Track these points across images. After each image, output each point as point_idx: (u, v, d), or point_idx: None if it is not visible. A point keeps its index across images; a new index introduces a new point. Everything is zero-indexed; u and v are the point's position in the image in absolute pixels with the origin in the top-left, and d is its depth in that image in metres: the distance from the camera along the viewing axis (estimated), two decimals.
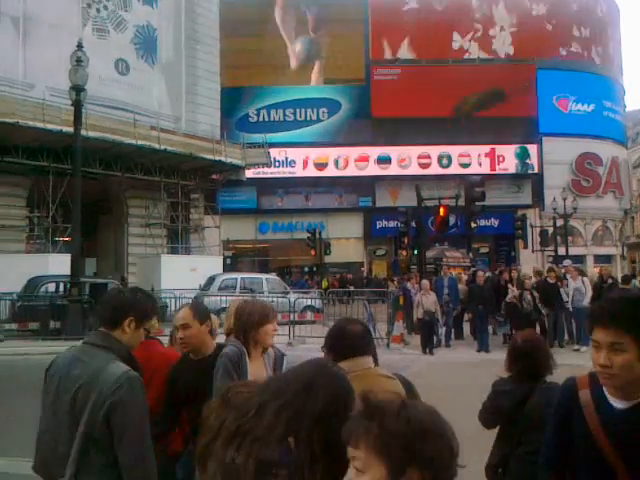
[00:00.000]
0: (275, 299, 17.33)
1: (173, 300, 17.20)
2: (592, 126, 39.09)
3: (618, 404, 1.89)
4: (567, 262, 17.19)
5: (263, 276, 22.81)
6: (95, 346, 2.39)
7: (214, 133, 26.81)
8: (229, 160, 26.18)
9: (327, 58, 37.91)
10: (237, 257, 33.25)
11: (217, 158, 25.56)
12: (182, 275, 20.25)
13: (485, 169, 36.71)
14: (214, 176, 28.38)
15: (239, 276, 21.67)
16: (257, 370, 3.25)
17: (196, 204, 28.30)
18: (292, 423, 1.31)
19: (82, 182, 15.60)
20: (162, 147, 23.28)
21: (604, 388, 1.92)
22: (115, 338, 2.42)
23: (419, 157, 37.06)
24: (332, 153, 36.84)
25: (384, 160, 36.97)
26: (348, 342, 2.45)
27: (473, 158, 37.43)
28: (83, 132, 16.48)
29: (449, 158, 37.34)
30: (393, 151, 37.07)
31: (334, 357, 2.44)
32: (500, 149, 37.67)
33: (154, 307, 2.68)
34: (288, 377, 1.43)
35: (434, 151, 37.29)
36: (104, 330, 2.44)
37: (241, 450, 1.33)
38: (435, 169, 37.03)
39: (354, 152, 36.97)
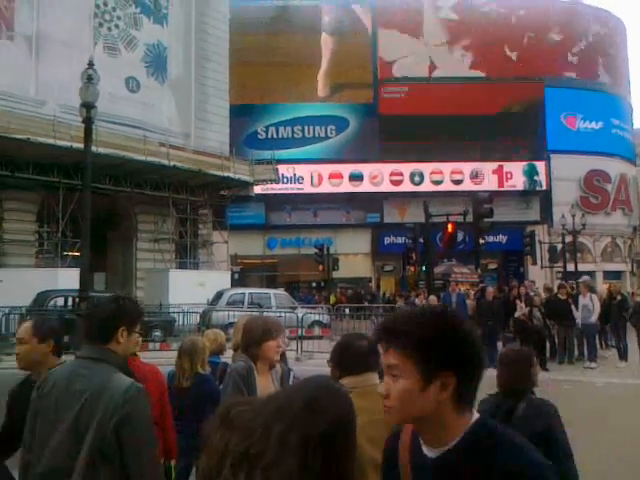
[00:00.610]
0: (283, 314, 17.38)
1: (181, 315, 17.21)
2: (600, 143, 39.11)
3: (429, 452, 1.49)
4: (586, 278, 17.06)
5: (271, 291, 22.83)
6: (92, 360, 2.32)
7: (223, 150, 26.99)
8: (237, 176, 26.35)
9: (337, 75, 38.22)
10: (245, 272, 33.29)
11: (226, 174, 25.73)
12: (190, 290, 20.29)
13: (494, 186, 36.65)
14: (223, 192, 28.52)
15: (247, 291, 21.69)
16: (265, 385, 3.28)
17: (204, 219, 28.42)
18: (298, 447, 1.28)
19: (92, 198, 15.71)
20: (171, 163, 23.46)
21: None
22: (111, 350, 2.36)
23: (431, 173, 37.21)
24: (340, 170, 36.99)
25: (396, 176, 37.15)
26: (353, 358, 2.45)
27: (484, 175, 37.49)
28: (93, 148, 16.62)
29: (459, 175, 37.43)
30: (403, 168, 37.19)
31: (340, 372, 2.48)
32: (509, 166, 37.74)
33: (139, 310, 2.62)
34: (290, 395, 1.40)
35: (444, 168, 37.38)
36: (98, 343, 2.36)
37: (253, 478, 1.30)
38: (445, 186, 37.07)
39: (362, 168, 37.11)
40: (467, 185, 36.53)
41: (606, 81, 41.69)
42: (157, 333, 16.99)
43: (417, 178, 37.26)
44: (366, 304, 23.45)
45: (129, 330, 2.43)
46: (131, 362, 3.42)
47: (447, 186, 36.83)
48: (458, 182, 37.20)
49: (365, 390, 2.31)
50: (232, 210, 30.55)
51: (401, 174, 37.17)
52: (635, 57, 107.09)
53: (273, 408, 1.35)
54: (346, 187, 36.93)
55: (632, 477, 6.37)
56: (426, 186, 36.69)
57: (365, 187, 37.01)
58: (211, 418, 1.45)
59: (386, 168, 37.18)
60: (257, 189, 29.32)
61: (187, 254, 26.58)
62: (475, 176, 37.17)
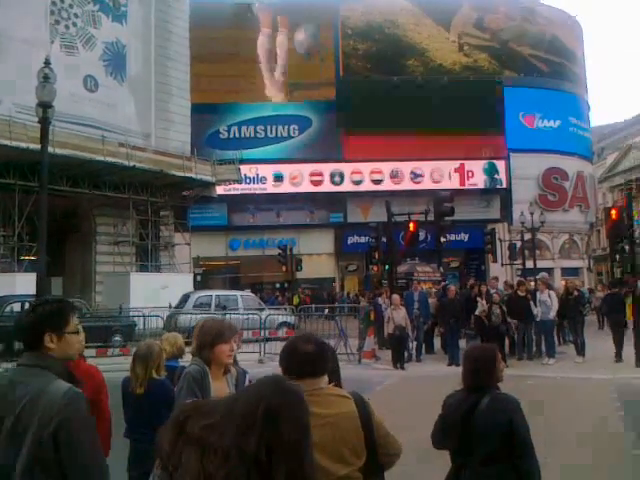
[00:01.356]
0: (249, 316, 17.31)
1: (142, 319, 16.94)
2: (558, 142, 39.96)
3: None
4: (542, 274, 17.40)
5: (238, 293, 22.75)
6: (31, 366, 2.31)
7: (184, 150, 26.71)
8: (199, 177, 26.10)
9: (297, 73, 38.16)
10: (208, 274, 33.01)
11: (187, 175, 25.46)
12: (151, 293, 19.99)
13: (455, 184, 37.11)
14: (184, 193, 28.21)
15: (214, 293, 21.65)
16: (219, 389, 3.24)
17: (166, 221, 28.07)
18: (257, 462, 1.28)
19: (49, 200, 15.29)
20: (131, 164, 23.11)
21: None
22: (47, 355, 2.33)
23: (391, 173, 37.42)
24: (303, 169, 36.99)
25: (357, 176, 37.31)
26: (299, 361, 2.40)
27: (444, 174, 37.87)
28: (50, 149, 16.21)
29: (420, 174, 37.76)
30: (365, 167, 37.35)
31: (287, 376, 2.36)
32: (469, 164, 38.23)
33: (65, 311, 2.50)
34: (248, 401, 1.37)
35: (406, 167, 37.68)
36: (32, 350, 2.34)
37: None
38: (407, 185, 37.37)
39: (324, 168, 37.17)
40: (429, 184, 36.87)
41: (564, 80, 42.60)
42: (117, 338, 16.70)
43: (377, 177, 37.50)
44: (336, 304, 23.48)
45: (58, 334, 2.37)
46: (76, 363, 3.37)
47: (409, 185, 37.18)
48: (418, 177, 37.51)
49: (311, 394, 2.24)
50: (194, 211, 30.27)
51: (362, 173, 37.37)
52: (591, 56, 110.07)
53: (234, 421, 1.32)
54: (309, 187, 36.95)
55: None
56: (389, 185, 37.00)
57: (328, 187, 37.08)
58: (166, 425, 1.42)
59: (348, 167, 37.32)
60: (219, 189, 29.09)
61: (148, 257, 26.19)
62: (425, 175, 37.49)
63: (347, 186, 37.35)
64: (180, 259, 27.54)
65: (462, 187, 37.09)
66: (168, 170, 24.72)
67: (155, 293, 20.14)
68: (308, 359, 2.39)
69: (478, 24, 40.85)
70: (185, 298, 20.16)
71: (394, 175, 37.45)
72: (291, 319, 19.80)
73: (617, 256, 18.99)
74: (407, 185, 37.12)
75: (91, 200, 24.70)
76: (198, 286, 26.11)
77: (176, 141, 27.57)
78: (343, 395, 2.45)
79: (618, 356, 14.10)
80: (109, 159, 22.47)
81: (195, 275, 27.58)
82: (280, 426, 1.30)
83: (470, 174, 38.34)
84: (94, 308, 21.81)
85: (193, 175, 25.71)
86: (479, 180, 38.62)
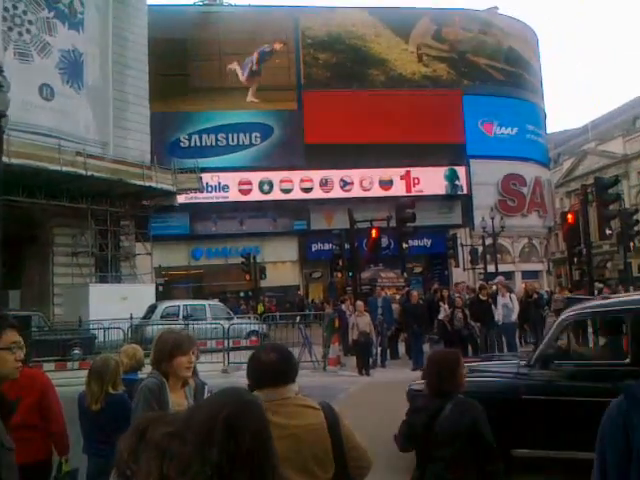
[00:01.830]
0: (214, 326, 17.15)
1: (102, 331, 16.57)
2: (516, 148, 40.83)
3: None
4: (499, 278, 17.65)
5: (206, 302, 22.67)
6: None
7: (144, 158, 26.32)
8: (160, 186, 25.73)
9: (260, 82, 38.09)
10: (170, 284, 32.56)
11: (147, 184, 25.07)
12: (112, 305, 19.54)
13: (417, 191, 37.47)
14: (145, 202, 27.77)
15: (181, 303, 21.58)
16: (178, 402, 3.17)
17: (126, 231, 27.56)
18: (219, 470, 1.28)
19: (4, 210, 14.92)
20: (89, 173, 22.66)
21: None
22: None
23: (343, 179, 37.60)
24: (266, 177, 36.88)
25: (320, 183, 37.41)
26: (263, 372, 2.38)
27: (403, 180, 38.20)
28: (5, 159, 15.78)
29: (385, 180, 38.04)
30: (329, 175, 37.49)
31: (252, 386, 2.39)
32: (431, 171, 38.65)
33: None
34: (208, 411, 1.36)
35: (369, 173, 37.92)
36: None
37: None
38: (370, 191, 37.59)
39: (288, 176, 37.15)
40: (393, 191, 37.15)
41: (521, 88, 43.55)
42: (77, 351, 16.32)
43: (344, 184, 37.66)
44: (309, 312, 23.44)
45: None
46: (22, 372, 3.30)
47: (374, 192, 37.41)
48: (388, 184, 37.76)
49: (275, 404, 2.24)
50: (155, 220, 29.79)
51: (327, 181, 37.51)
52: (547, 64, 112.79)
53: (195, 431, 1.31)
54: (272, 195, 36.85)
55: None
56: (353, 192, 37.16)
57: (291, 194, 37.06)
58: (126, 433, 1.40)
59: (311, 175, 37.39)
60: (181, 198, 28.74)
61: (108, 267, 25.67)
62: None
63: (311, 193, 37.38)
64: (141, 269, 27.08)
65: (424, 193, 37.31)
66: (127, 179, 24.30)
67: (115, 304, 19.74)
68: (272, 368, 2.35)
69: (436, 35, 41.48)
70: (152, 309, 20.11)
71: (344, 184, 37.70)
72: (260, 328, 19.71)
73: (575, 259, 19.43)
74: (373, 193, 37.35)
75: (47, 210, 24.11)
76: (160, 296, 25.75)
77: (135, 150, 27.14)
78: (311, 406, 2.40)
79: None
80: (66, 168, 22.00)
81: (157, 285, 27.16)
82: (240, 436, 1.30)
83: (431, 180, 38.65)
84: (52, 321, 21.28)
85: (153, 184, 25.33)
86: (441, 186, 39.09)
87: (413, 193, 35.63)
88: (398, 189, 37.22)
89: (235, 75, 38.10)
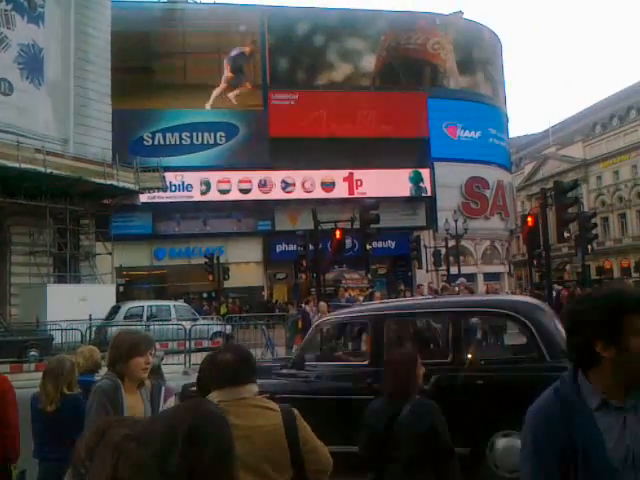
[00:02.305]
0: (175, 327, 16.96)
1: (59, 332, 16.19)
2: (479, 152, 41.40)
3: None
4: (461, 280, 17.85)
5: (171, 303, 22.48)
6: None
7: (106, 156, 25.83)
8: (121, 184, 25.27)
9: (224, 81, 37.75)
10: (132, 285, 32.05)
11: (109, 182, 24.59)
12: (71, 305, 19.12)
13: (381, 192, 37.65)
14: (106, 201, 27.26)
15: (146, 304, 21.35)
16: (133, 404, 3.11)
17: (86, 230, 27.02)
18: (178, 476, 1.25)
19: None
20: (48, 170, 22.14)
21: None
22: None
23: (307, 179, 37.57)
24: (229, 177, 36.60)
25: (286, 184, 37.31)
26: (219, 371, 2.37)
27: (369, 181, 38.29)
28: None
29: (347, 182, 38.11)
30: (293, 175, 37.39)
31: (208, 387, 2.38)
32: (395, 173, 38.85)
33: None
34: (171, 420, 1.33)
35: (333, 175, 37.94)
36: None
37: None
38: (335, 192, 37.62)
39: (252, 176, 36.94)
40: (356, 192, 37.25)
41: (484, 92, 44.20)
42: (33, 353, 15.92)
43: (308, 185, 37.62)
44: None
45: None
46: None
47: (338, 193, 37.45)
48: (330, 186, 37.79)
49: (229, 404, 2.22)
50: (117, 220, 29.25)
51: (292, 181, 37.40)
52: (509, 69, 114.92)
53: (156, 437, 1.28)
54: (236, 195, 36.58)
55: None
56: (317, 193, 37.13)
57: (255, 195, 36.86)
58: (85, 434, 1.37)
59: (276, 175, 37.26)
60: (143, 197, 28.31)
61: (67, 267, 25.12)
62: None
63: (276, 194, 37.25)
64: (102, 269, 26.58)
65: (388, 195, 37.41)
66: (88, 177, 23.81)
67: (74, 305, 19.32)
68: (228, 368, 2.34)
69: (401, 38, 41.68)
70: (115, 309, 19.95)
71: (309, 185, 37.67)
72: (226, 328, 19.67)
73: (535, 261, 19.78)
74: (335, 194, 37.36)
75: (4, 208, 23.50)
76: (121, 297, 25.34)
77: (97, 147, 26.61)
78: (269, 407, 2.38)
79: None
80: (24, 166, 21.45)
81: (118, 286, 26.70)
82: (202, 449, 1.27)
83: (396, 182, 38.76)
84: (9, 321, 20.73)
85: (115, 182, 24.87)
86: (405, 188, 39.35)
87: (377, 195, 35.87)
88: (364, 190, 37.31)
89: (201, 72, 37.50)
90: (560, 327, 5.11)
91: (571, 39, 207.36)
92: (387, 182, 37.72)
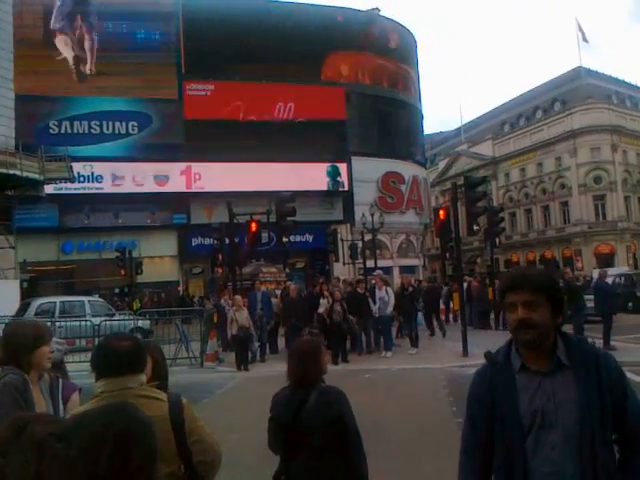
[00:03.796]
0: (100, 322, 16.26)
1: None
2: (396, 147, 42.17)
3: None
4: (378, 272, 18.07)
5: (85, 298, 21.58)
6: None
7: (8, 144, 24.35)
8: (25, 174, 23.87)
9: (138, 72, 36.39)
10: (37, 280, 30.45)
11: (11, 172, 23.18)
12: None
13: (299, 186, 37.51)
14: (8, 192, 25.70)
15: (58, 300, 20.43)
16: (37, 399, 2.92)
17: None
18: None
19: None
20: None
21: None
22: None
23: (234, 173, 36.91)
24: (143, 168, 35.39)
25: (198, 176, 36.50)
26: (109, 359, 2.32)
27: (287, 175, 38.05)
28: None
29: (264, 174, 37.70)
30: (209, 167, 36.54)
31: (97, 375, 2.33)
32: (313, 167, 38.88)
33: None
34: (99, 425, 1.33)
35: (250, 168, 37.36)
36: None
37: None
38: (251, 185, 37.09)
39: (167, 167, 35.93)
40: (271, 185, 36.84)
41: (400, 90, 44.99)
42: None
43: (224, 178, 36.90)
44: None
45: None
46: None
47: (253, 186, 36.91)
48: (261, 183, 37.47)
49: (120, 394, 2.20)
50: (20, 212, 27.62)
51: (207, 174, 36.59)
52: (424, 66, 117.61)
53: (84, 441, 1.29)
54: (150, 187, 35.41)
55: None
56: (232, 185, 36.37)
57: (170, 187, 35.86)
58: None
59: (192, 167, 36.40)
60: (49, 189, 26.89)
61: None
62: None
63: (191, 186, 36.39)
64: (4, 264, 25.04)
65: (306, 189, 37.38)
66: None
67: None
68: (120, 356, 2.30)
69: None
70: (25, 306, 19.12)
71: (224, 175, 36.93)
72: (144, 324, 19.22)
73: (447, 254, 20.29)
74: (251, 186, 36.80)
75: None
76: (25, 293, 24.03)
77: None
78: (155, 397, 2.33)
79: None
80: None
81: (22, 281, 25.31)
82: (129, 453, 1.30)
83: (314, 176, 38.73)
84: None
85: (18, 172, 23.48)
86: (323, 182, 39.48)
87: (295, 189, 35.69)
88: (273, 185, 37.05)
89: (111, 57, 36.03)
90: None
91: (485, 37, 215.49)
92: (305, 176, 37.61)
